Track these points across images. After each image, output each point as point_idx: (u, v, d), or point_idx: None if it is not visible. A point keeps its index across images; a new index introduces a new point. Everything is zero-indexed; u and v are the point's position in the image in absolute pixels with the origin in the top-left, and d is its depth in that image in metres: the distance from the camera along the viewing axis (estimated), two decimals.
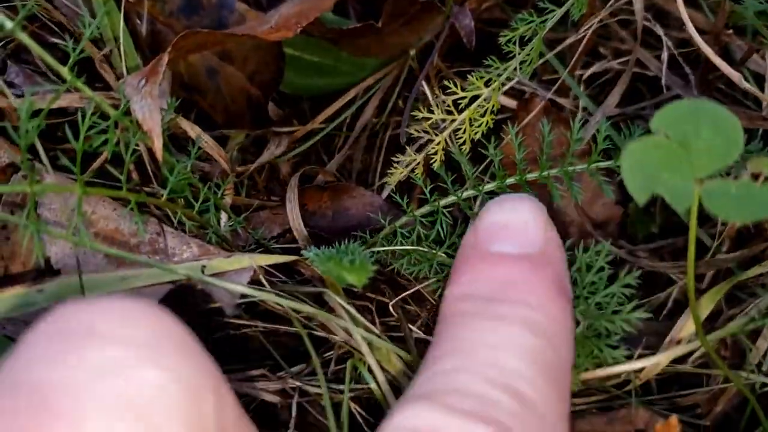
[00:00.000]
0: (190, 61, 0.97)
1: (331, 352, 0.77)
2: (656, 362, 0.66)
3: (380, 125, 0.98)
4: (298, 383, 0.72)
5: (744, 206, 0.48)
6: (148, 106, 0.67)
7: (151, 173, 0.78)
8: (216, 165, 0.86)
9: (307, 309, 0.64)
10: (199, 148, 0.77)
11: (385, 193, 0.88)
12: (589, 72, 0.88)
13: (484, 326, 0.52)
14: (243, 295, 0.68)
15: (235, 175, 0.93)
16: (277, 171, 0.96)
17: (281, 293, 0.68)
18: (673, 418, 0.57)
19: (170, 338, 0.42)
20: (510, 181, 0.73)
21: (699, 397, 0.80)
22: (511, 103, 0.92)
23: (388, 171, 0.79)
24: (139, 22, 0.94)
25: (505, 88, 0.91)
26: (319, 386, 0.73)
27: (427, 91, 0.82)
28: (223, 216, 0.79)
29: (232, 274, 0.69)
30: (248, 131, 0.97)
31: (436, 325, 0.55)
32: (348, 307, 0.66)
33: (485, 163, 0.81)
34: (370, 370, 0.66)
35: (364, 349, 0.65)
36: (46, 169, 0.74)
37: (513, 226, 0.57)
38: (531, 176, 0.73)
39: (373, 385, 0.66)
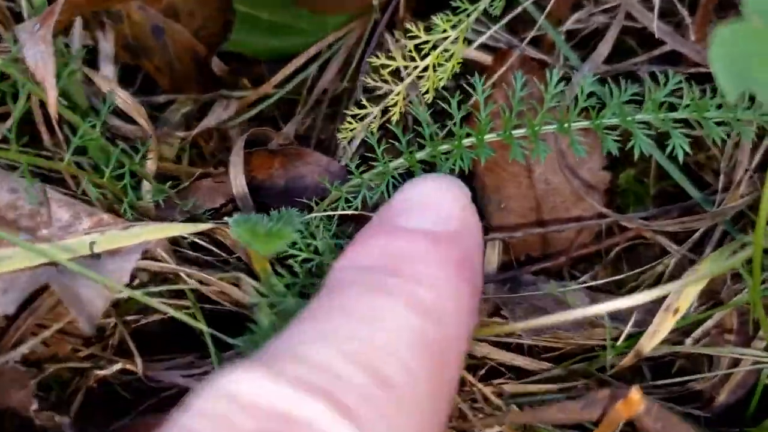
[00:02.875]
0: (134, 19, 0.88)
1: None
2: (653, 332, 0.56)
3: (343, 89, 0.88)
4: None
5: None
6: (41, 53, 0.57)
7: (62, 138, 0.68)
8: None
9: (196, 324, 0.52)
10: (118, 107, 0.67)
11: (344, 155, 0.78)
12: (570, 21, 0.79)
13: (361, 297, 0.44)
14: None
15: (179, 140, 0.84)
16: (227, 139, 0.86)
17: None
18: (635, 392, 0.47)
19: None
20: (468, 141, 0.63)
21: (700, 385, 0.69)
22: (486, 59, 0.82)
23: (341, 126, 0.69)
24: None
25: (480, 40, 0.81)
26: None
27: (390, 41, 0.72)
28: (146, 185, 0.68)
29: (126, 253, 0.59)
30: (196, 95, 0.88)
31: (312, 295, 0.46)
32: (260, 288, 0.56)
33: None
34: None
35: None
36: None
37: (426, 203, 0.50)
38: (492, 136, 0.63)
39: None
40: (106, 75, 0.86)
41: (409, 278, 0.44)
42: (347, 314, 0.42)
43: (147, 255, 0.64)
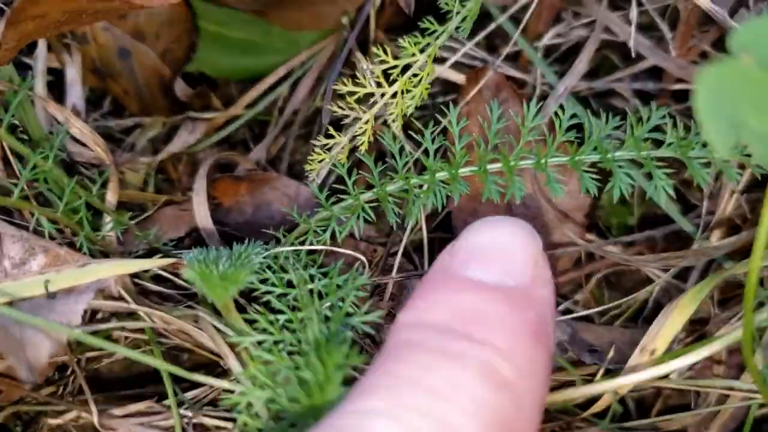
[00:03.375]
0: (101, 42, 0.85)
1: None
2: (615, 385, 0.52)
3: (316, 109, 0.85)
4: (190, 414, 0.59)
5: None
6: None
7: (16, 169, 0.65)
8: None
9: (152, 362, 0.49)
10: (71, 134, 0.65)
11: (312, 185, 0.75)
12: (549, 35, 0.75)
13: (431, 364, 0.40)
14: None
15: (146, 166, 0.81)
16: (197, 163, 0.83)
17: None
18: None
19: None
20: (442, 175, 0.60)
21: (687, 421, 0.66)
22: (461, 78, 0.79)
23: (309, 158, 0.65)
24: None
25: (453, 59, 0.78)
26: (220, 417, 0.60)
27: (361, 62, 0.69)
28: (106, 218, 0.66)
29: (81, 292, 0.56)
30: (164, 118, 0.85)
31: (376, 357, 0.43)
32: (222, 327, 0.53)
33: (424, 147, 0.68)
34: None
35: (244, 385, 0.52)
36: None
37: (497, 252, 0.46)
38: (465, 171, 0.60)
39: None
40: (73, 100, 0.84)
41: (482, 343, 0.40)
42: (414, 385, 0.39)
43: (104, 293, 0.61)
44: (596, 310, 0.70)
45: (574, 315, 0.69)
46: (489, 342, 0.41)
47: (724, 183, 0.71)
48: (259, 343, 0.51)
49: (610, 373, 0.60)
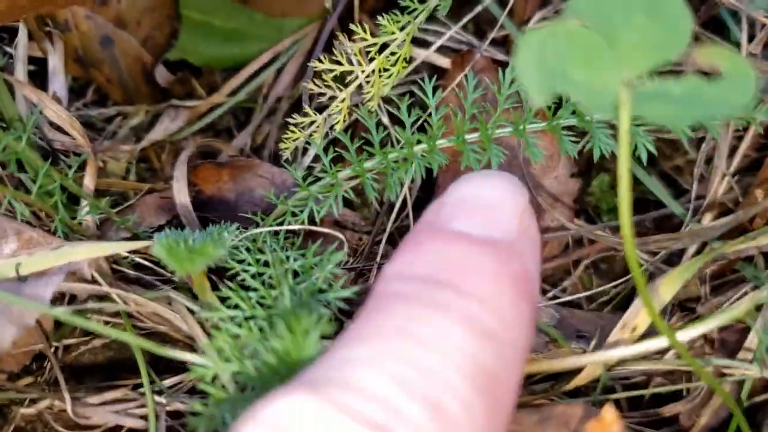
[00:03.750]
0: (83, 30, 0.84)
1: None
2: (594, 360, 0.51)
3: (300, 96, 0.84)
4: (164, 401, 0.57)
5: (691, 108, 0.34)
6: None
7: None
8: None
9: (126, 338, 0.48)
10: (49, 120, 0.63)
11: (302, 167, 0.74)
12: (535, 19, 0.74)
13: (416, 314, 0.40)
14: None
15: (128, 154, 0.80)
16: (179, 152, 0.82)
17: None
18: (609, 412, 0.42)
19: None
20: (420, 148, 0.59)
21: (679, 408, 0.64)
22: (446, 62, 0.77)
23: (284, 136, 0.64)
24: None
25: (439, 42, 0.77)
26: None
27: (340, 41, 0.68)
28: (83, 202, 0.64)
29: (53, 274, 0.54)
30: (147, 107, 0.84)
31: (360, 308, 0.43)
32: (195, 308, 0.51)
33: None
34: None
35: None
36: None
37: (483, 205, 0.46)
38: (443, 142, 0.58)
39: None
40: (56, 89, 0.82)
41: (468, 294, 0.41)
42: (399, 334, 0.39)
43: (77, 276, 0.60)
44: (584, 294, 0.68)
45: (562, 299, 0.67)
46: (474, 293, 0.41)
47: (715, 166, 0.69)
48: (231, 319, 0.50)
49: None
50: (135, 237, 0.69)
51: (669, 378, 0.67)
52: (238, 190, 0.74)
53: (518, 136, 0.57)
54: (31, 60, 0.80)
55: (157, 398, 0.58)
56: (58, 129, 0.76)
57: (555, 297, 0.70)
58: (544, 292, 0.72)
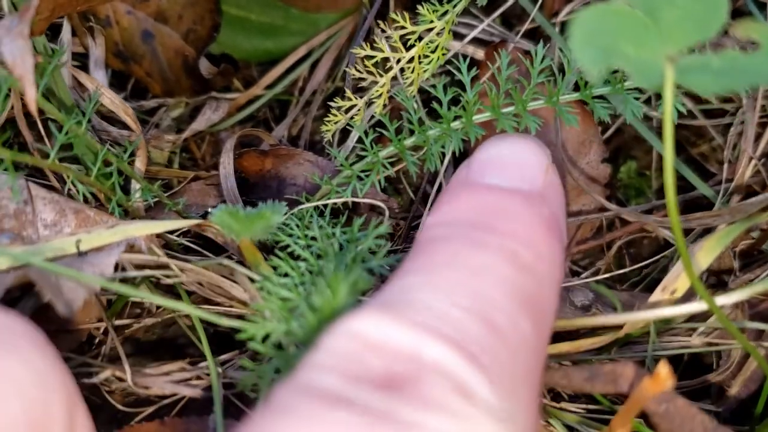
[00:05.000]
0: (124, 25, 0.87)
1: None
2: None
3: (335, 89, 0.87)
4: (220, 370, 0.60)
5: (728, 78, 0.37)
6: (19, 48, 0.56)
7: (44, 135, 0.66)
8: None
9: (181, 306, 0.50)
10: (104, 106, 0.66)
11: (335, 147, 0.76)
12: (564, 12, 0.77)
13: (462, 251, 0.45)
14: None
15: (171, 144, 0.82)
16: (220, 142, 0.85)
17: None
18: (663, 369, 0.44)
19: (22, 335, 0.41)
20: (456, 124, 0.61)
21: (710, 380, 0.67)
22: (479, 53, 0.80)
23: (326, 119, 0.67)
24: None
25: (473, 34, 0.80)
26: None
27: (378, 33, 0.71)
28: (135, 185, 0.67)
29: (109, 250, 0.57)
30: (187, 98, 0.86)
31: (405, 256, 0.47)
32: (252, 275, 0.54)
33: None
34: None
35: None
36: None
37: (511, 161, 0.50)
38: (481, 117, 0.61)
39: None
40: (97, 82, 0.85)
41: (506, 235, 0.45)
42: (448, 266, 0.43)
43: (134, 250, 0.63)
44: (616, 273, 0.70)
45: (596, 278, 0.69)
46: (510, 232, 0.45)
47: (743, 149, 0.72)
48: (283, 285, 0.52)
49: None
50: (184, 219, 0.71)
51: (699, 356, 0.70)
52: (281, 177, 0.77)
53: (552, 105, 0.60)
54: (73, 55, 0.83)
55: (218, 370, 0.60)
56: (104, 119, 0.79)
57: (587, 278, 0.72)
58: (577, 273, 0.74)
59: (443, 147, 0.62)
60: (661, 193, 0.78)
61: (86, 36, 0.86)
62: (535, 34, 0.84)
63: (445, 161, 0.68)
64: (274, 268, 0.57)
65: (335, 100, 0.66)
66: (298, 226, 0.60)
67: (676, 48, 0.40)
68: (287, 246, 0.60)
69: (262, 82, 0.85)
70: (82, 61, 0.86)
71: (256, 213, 0.50)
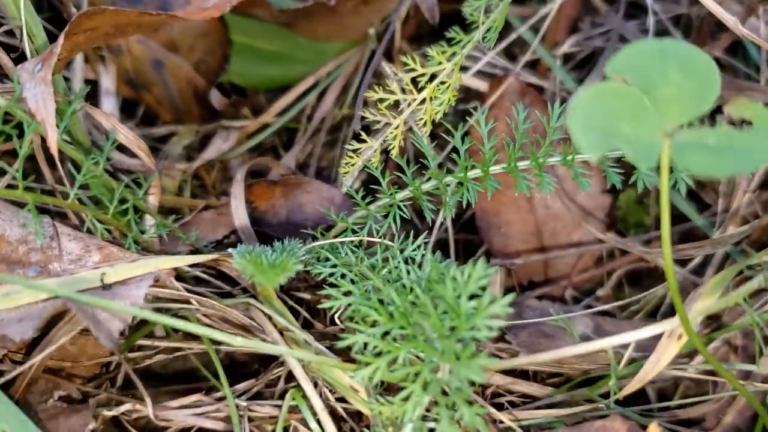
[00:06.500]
0: (135, 54, 0.89)
1: (281, 368, 0.67)
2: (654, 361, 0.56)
3: (342, 117, 0.89)
4: (244, 403, 0.62)
5: (725, 158, 0.39)
6: (41, 94, 0.58)
7: (63, 174, 0.68)
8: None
9: (212, 333, 0.52)
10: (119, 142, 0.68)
11: (345, 186, 0.79)
12: (566, 45, 0.79)
13: None
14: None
15: (181, 173, 0.84)
16: (229, 170, 0.87)
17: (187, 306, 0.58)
18: (654, 428, 0.46)
19: None
20: (474, 173, 0.64)
21: (705, 409, 0.69)
22: (483, 85, 0.82)
23: (343, 161, 0.69)
24: (75, 10, 0.86)
25: (476, 68, 0.82)
26: (271, 405, 0.64)
27: (388, 71, 0.73)
28: (149, 219, 0.69)
29: (135, 283, 0.59)
30: (197, 127, 0.88)
31: None
32: (276, 316, 0.56)
33: (452, 146, 0.71)
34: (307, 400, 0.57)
35: (298, 372, 0.55)
36: None
37: None
38: (497, 169, 0.63)
39: (309, 419, 0.56)
40: (107, 109, 0.87)
41: None
42: None
43: (157, 283, 0.65)
44: (617, 304, 0.73)
45: (597, 309, 0.72)
46: None
47: (737, 182, 0.74)
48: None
49: (633, 362, 0.64)
50: (197, 251, 0.73)
51: (695, 380, 0.72)
52: (290, 206, 0.79)
53: (567, 166, 0.62)
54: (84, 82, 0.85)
55: (237, 402, 0.63)
56: (118, 149, 0.81)
57: (589, 306, 0.75)
58: (578, 300, 0.77)
59: (461, 198, 0.64)
60: (658, 223, 0.81)
61: (97, 63, 0.88)
62: (536, 65, 0.86)
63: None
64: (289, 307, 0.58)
65: (351, 142, 0.68)
66: (318, 259, 0.63)
67: (673, 124, 0.41)
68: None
69: (271, 111, 0.87)
70: (91, 86, 0.88)
71: (279, 263, 0.52)
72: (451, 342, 0.46)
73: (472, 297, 0.47)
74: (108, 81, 0.88)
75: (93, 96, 0.88)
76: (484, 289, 0.48)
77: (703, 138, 0.41)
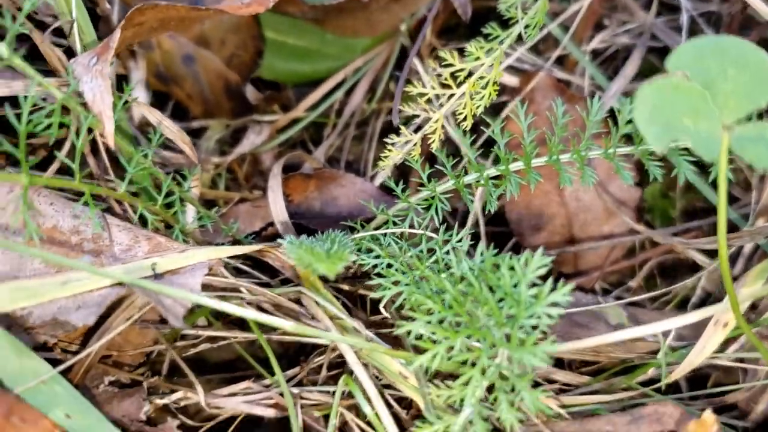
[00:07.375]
0: (165, 48, 0.89)
1: (322, 357, 0.69)
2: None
3: (371, 112, 0.90)
4: (296, 390, 0.63)
5: None
6: (99, 87, 0.58)
7: (108, 166, 0.69)
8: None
9: (268, 319, 0.53)
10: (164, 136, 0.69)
11: (379, 179, 0.80)
12: (594, 42, 0.81)
13: None
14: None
15: (214, 166, 0.85)
16: (260, 163, 0.88)
17: (242, 295, 0.59)
18: (709, 415, 0.48)
19: None
20: (516, 165, 0.65)
21: (737, 396, 0.71)
22: (513, 80, 0.84)
23: (382, 155, 0.70)
24: (109, 6, 0.86)
25: (507, 62, 0.83)
26: (321, 391, 0.65)
27: (420, 68, 0.74)
28: (191, 210, 0.70)
29: (187, 272, 0.60)
30: (228, 121, 0.89)
31: None
32: (327, 304, 0.57)
33: (483, 140, 0.73)
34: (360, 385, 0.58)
35: (350, 357, 0.56)
36: None
37: None
38: (539, 161, 0.64)
39: (363, 404, 0.58)
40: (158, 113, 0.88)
41: None
42: None
43: (209, 272, 0.66)
44: (649, 295, 0.74)
45: (627, 300, 0.73)
46: None
47: (767, 176, 0.76)
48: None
49: (673, 350, 0.65)
50: (237, 242, 0.75)
51: (726, 370, 0.74)
52: (324, 198, 0.80)
53: (608, 159, 0.63)
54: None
55: (290, 388, 0.64)
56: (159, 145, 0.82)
57: (619, 297, 0.76)
58: (608, 292, 0.79)
59: (504, 191, 0.65)
60: (686, 214, 0.82)
61: (128, 58, 0.89)
62: (564, 61, 0.88)
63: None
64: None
65: (390, 136, 0.69)
66: (360, 249, 0.64)
67: (732, 118, 0.43)
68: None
69: (301, 106, 0.88)
70: (120, 81, 0.89)
71: (335, 254, 0.54)
72: (515, 329, 0.48)
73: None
74: (138, 75, 0.89)
75: (121, 89, 0.88)
76: (541, 278, 0.50)
77: (761, 131, 0.42)
